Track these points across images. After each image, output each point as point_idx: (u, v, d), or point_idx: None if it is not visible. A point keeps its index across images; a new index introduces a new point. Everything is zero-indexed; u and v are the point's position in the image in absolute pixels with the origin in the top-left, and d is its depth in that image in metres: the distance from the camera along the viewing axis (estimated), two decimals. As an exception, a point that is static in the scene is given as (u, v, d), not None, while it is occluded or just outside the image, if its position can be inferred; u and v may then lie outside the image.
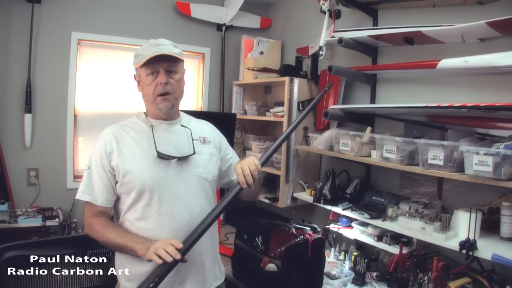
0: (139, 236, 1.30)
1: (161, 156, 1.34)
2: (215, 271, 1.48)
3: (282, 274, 1.76)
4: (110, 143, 1.35)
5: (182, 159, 1.38)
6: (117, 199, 1.39)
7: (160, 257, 1.15)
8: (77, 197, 1.36)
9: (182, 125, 1.47)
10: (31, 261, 1.66)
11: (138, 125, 1.43)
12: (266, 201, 2.86)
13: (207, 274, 1.41)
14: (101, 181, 1.34)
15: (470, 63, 1.63)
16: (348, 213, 2.13)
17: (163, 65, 1.34)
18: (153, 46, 1.35)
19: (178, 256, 1.15)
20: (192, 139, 1.45)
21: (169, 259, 1.14)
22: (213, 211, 1.26)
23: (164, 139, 1.40)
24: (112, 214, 1.45)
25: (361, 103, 2.42)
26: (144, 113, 1.47)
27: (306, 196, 2.53)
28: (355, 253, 2.12)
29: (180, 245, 1.18)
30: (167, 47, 1.35)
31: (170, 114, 1.43)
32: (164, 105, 1.37)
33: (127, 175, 1.32)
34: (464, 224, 1.62)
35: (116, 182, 1.35)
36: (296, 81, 2.62)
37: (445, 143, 1.60)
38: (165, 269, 1.16)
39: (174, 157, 1.36)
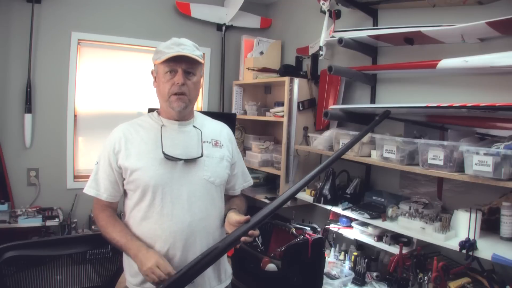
0: (134, 240, 1.30)
1: (167, 157, 1.34)
2: (219, 275, 1.47)
3: (282, 274, 1.76)
4: (119, 141, 1.37)
5: (189, 161, 1.37)
6: (125, 195, 1.41)
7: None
8: (84, 191, 1.39)
9: (194, 126, 1.46)
10: (31, 261, 1.67)
11: (149, 124, 1.43)
12: (266, 201, 2.85)
13: (206, 278, 1.40)
14: (107, 177, 1.37)
15: (470, 63, 1.62)
16: (348, 213, 2.13)
17: (182, 66, 1.34)
18: (175, 45, 1.34)
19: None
20: (202, 141, 1.43)
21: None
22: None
23: (173, 139, 1.39)
24: (121, 211, 1.47)
25: (361, 103, 2.42)
26: (158, 112, 1.47)
27: (306, 196, 2.53)
28: (355, 253, 2.12)
29: (168, 270, 1.20)
30: (188, 48, 1.35)
31: (182, 114, 1.42)
32: (178, 104, 1.36)
33: (133, 174, 1.33)
34: (464, 224, 1.62)
35: (124, 179, 1.37)
36: (296, 81, 2.62)
37: (445, 143, 1.60)
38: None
39: (180, 159, 1.36)
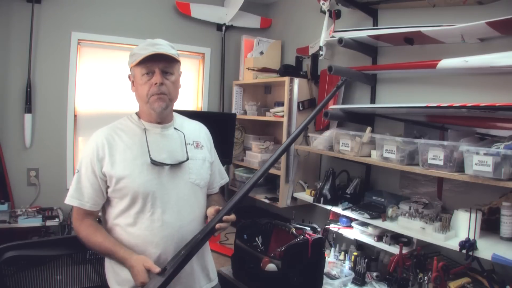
0: (121, 245, 1.29)
1: (155, 163, 1.32)
2: (207, 274, 1.48)
3: (282, 274, 1.76)
4: (102, 148, 1.32)
5: (175, 165, 1.37)
6: (108, 203, 1.37)
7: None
8: (65, 201, 1.36)
9: (175, 128, 1.45)
10: (31, 261, 1.66)
11: (130, 129, 1.40)
12: (266, 201, 2.86)
13: (196, 279, 1.41)
14: (90, 185, 1.33)
15: (470, 63, 1.63)
16: (348, 213, 2.13)
17: (159, 65, 1.32)
18: (150, 45, 1.32)
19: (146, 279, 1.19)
20: (186, 144, 1.42)
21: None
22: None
23: (158, 144, 1.38)
24: (99, 217, 1.44)
25: (361, 103, 2.42)
26: (137, 114, 1.44)
27: (306, 196, 2.53)
28: (355, 253, 2.11)
29: (157, 269, 1.19)
30: (164, 47, 1.33)
31: (163, 116, 1.40)
32: (158, 104, 1.33)
33: (120, 182, 1.30)
34: (464, 224, 1.62)
35: (108, 187, 1.33)
36: (296, 81, 2.62)
37: (445, 143, 1.60)
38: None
39: (167, 164, 1.35)
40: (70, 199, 1.35)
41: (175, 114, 1.51)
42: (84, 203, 1.33)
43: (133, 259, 1.23)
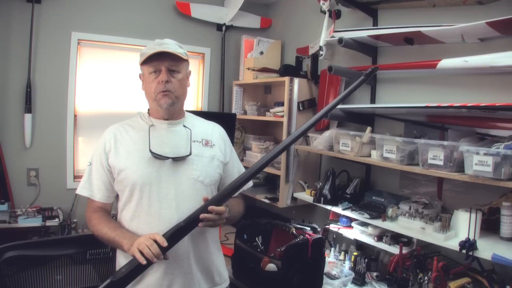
0: (129, 232, 1.32)
1: (154, 156, 1.34)
2: (211, 278, 1.45)
3: (282, 274, 1.76)
4: (109, 141, 1.39)
5: (177, 160, 1.37)
6: (116, 197, 1.43)
7: (143, 254, 1.15)
8: (77, 191, 1.42)
9: (184, 126, 1.46)
10: (31, 261, 1.67)
11: (139, 124, 1.45)
12: (266, 201, 2.86)
13: (195, 280, 1.38)
14: (99, 177, 1.39)
15: (470, 63, 1.63)
16: (348, 213, 2.13)
17: (165, 64, 1.35)
18: (157, 45, 1.35)
19: (161, 257, 1.16)
20: (191, 140, 1.43)
21: (153, 259, 1.15)
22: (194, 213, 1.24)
23: (162, 139, 1.40)
24: (114, 213, 1.47)
25: (361, 103, 2.42)
26: (148, 112, 1.48)
27: (306, 196, 2.53)
28: (355, 253, 2.12)
29: (165, 244, 1.17)
30: (171, 46, 1.36)
31: (171, 112, 1.42)
32: (165, 101, 1.36)
33: (121, 173, 1.35)
34: (464, 224, 1.62)
35: (114, 180, 1.38)
36: (296, 81, 2.62)
37: (445, 143, 1.60)
38: (142, 267, 1.16)
39: (167, 157, 1.35)
40: (81, 190, 1.41)
41: (188, 114, 1.53)
42: (94, 194, 1.39)
43: (135, 238, 1.23)
